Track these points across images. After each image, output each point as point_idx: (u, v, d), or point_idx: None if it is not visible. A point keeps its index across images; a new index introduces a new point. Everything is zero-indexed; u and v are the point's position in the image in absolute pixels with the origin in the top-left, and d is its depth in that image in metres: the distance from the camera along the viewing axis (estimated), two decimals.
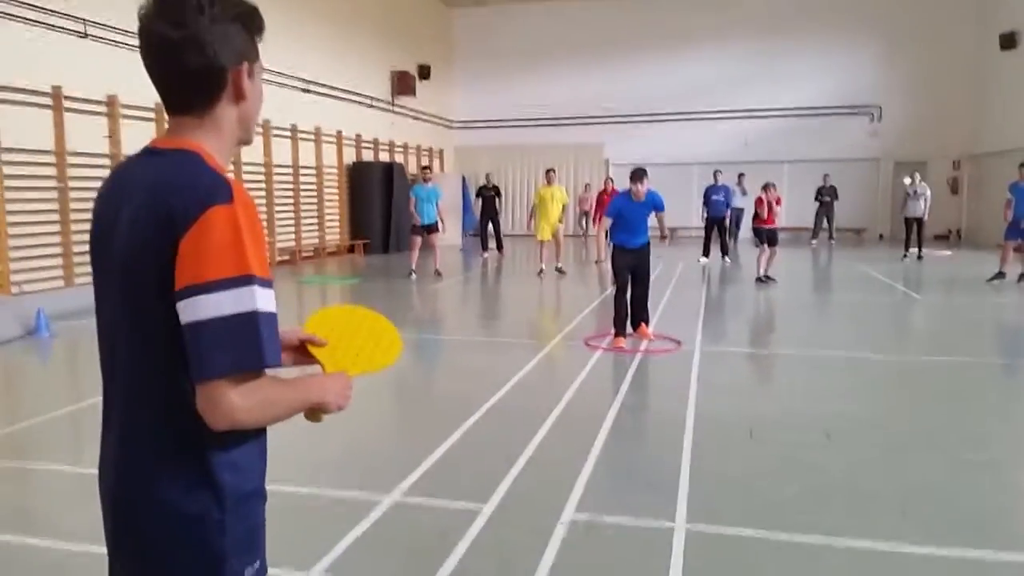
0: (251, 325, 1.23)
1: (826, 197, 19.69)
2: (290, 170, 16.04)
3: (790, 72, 22.34)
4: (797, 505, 3.74)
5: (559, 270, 13.62)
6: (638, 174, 7.54)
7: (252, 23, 1.38)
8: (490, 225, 17.53)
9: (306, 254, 16.43)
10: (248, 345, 1.23)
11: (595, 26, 23.66)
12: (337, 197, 18.01)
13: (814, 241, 19.80)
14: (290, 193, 16.08)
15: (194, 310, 1.21)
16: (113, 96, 10.96)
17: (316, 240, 17.06)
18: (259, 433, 1.39)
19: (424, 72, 22.19)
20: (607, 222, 7.74)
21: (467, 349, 7.87)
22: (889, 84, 22.00)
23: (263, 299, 1.25)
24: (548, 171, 14.14)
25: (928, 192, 15.98)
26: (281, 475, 4.11)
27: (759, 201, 12.59)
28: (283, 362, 1.48)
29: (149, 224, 1.25)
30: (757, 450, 4.58)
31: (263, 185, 15.09)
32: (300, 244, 16.29)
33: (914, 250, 15.99)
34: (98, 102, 10.84)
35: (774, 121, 22.63)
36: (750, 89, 22.61)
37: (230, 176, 1.31)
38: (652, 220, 7.78)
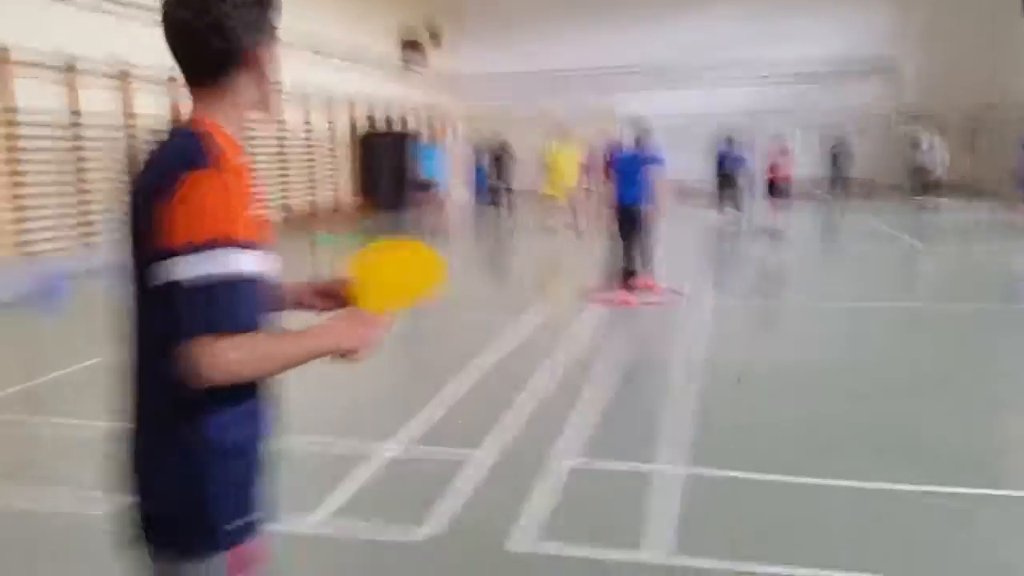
0: (224, 288, 1.26)
1: (837, 152, 19.43)
2: (304, 133, 16.10)
3: (803, 30, 21.93)
4: (798, 448, 3.85)
5: (577, 231, 13.49)
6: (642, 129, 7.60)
7: (270, 3, 1.46)
8: (501, 184, 17.48)
9: (320, 213, 16.60)
10: (221, 308, 1.25)
11: None
12: (350, 159, 18.08)
13: (827, 196, 19.62)
14: (306, 155, 16.21)
15: (168, 272, 1.26)
16: (126, 67, 10.98)
17: (330, 201, 17.20)
18: (250, 395, 1.40)
19: (435, 36, 22.08)
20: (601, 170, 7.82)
21: (476, 304, 7.97)
22: (904, 38, 21.57)
23: (244, 261, 1.28)
24: (561, 129, 14.01)
25: (942, 149, 15.79)
26: (289, 424, 4.27)
27: (772, 155, 12.70)
28: (317, 308, 1.62)
29: (146, 200, 1.32)
30: (757, 397, 4.68)
31: (277, 147, 15.18)
32: (315, 204, 16.42)
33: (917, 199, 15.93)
34: (109, 73, 10.87)
35: (787, 77, 22.28)
36: (763, 48, 22.21)
37: (226, 146, 1.37)
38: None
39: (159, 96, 11.82)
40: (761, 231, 12.39)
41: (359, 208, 18.19)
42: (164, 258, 1.27)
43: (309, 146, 16.45)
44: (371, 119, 19.04)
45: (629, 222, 7.63)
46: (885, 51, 21.82)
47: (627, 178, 7.61)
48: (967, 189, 20.91)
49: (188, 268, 1.25)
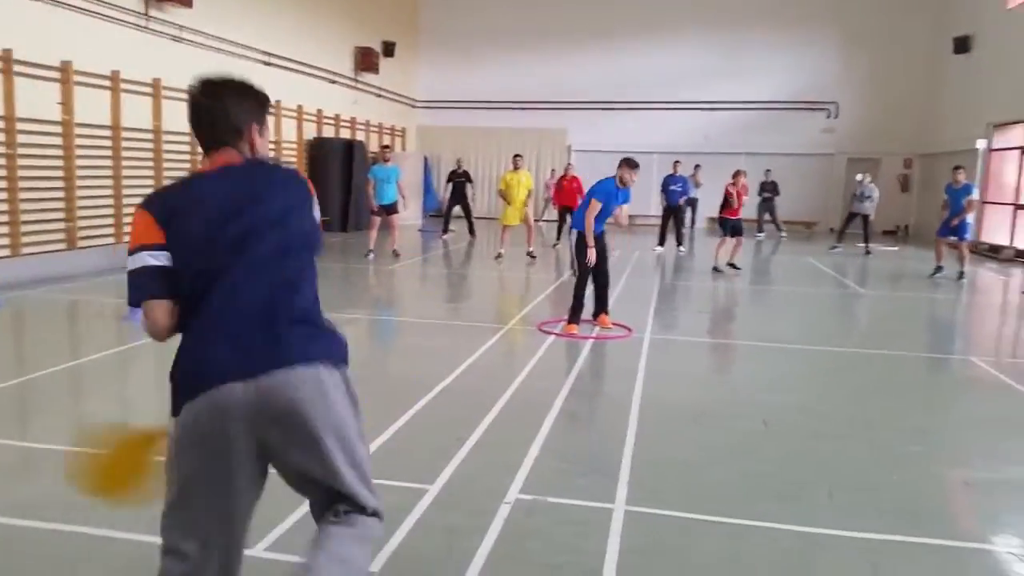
0: (131, 277, 2.01)
1: (767, 192, 20.01)
2: None
3: (750, 66, 22.64)
4: (731, 489, 3.91)
5: (531, 255, 13.54)
6: (635, 163, 7.71)
7: (265, 102, 2.25)
8: (457, 209, 17.37)
9: None
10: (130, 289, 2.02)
11: (561, 12, 23.64)
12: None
13: (760, 235, 20.17)
14: None
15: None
16: (67, 62, 10.69)
17: None
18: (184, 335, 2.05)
19: (388, 49, 21.97)
20: (597, 207, 7.59)
21: (422, 331, 7.93)
22: (845, 81, 22.44)
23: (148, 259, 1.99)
24: (515, 156, 14.15)
25: (876, 193, 16.50)
26: None
27: (729, 191, 12.87)
28: None
29: None
30: (698, 436, 4.75)
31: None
32: None
33: (857, 245, 16.51)
34: (50, 67, 10.57)
35: (734, 114, 22.96)
36: (711, 82, 22.88)
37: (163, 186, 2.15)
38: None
39: (97, 99, 11.57)
40: (716, 267, 12.58)
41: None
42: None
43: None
44: (319, 134, 18.84)
45: (599, 253, 7.67)
46: (829, 94, 22.64)
47: (609, 211, 7.65)
48: (901, 232, 21.80)
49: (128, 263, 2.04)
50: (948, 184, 12.94)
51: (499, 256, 13.40)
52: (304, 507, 3.97)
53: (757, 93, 22.77)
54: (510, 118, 24.27)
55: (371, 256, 12.97)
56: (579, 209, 7.83)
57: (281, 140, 16.86)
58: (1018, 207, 16.78)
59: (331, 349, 2.12)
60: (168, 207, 2.01)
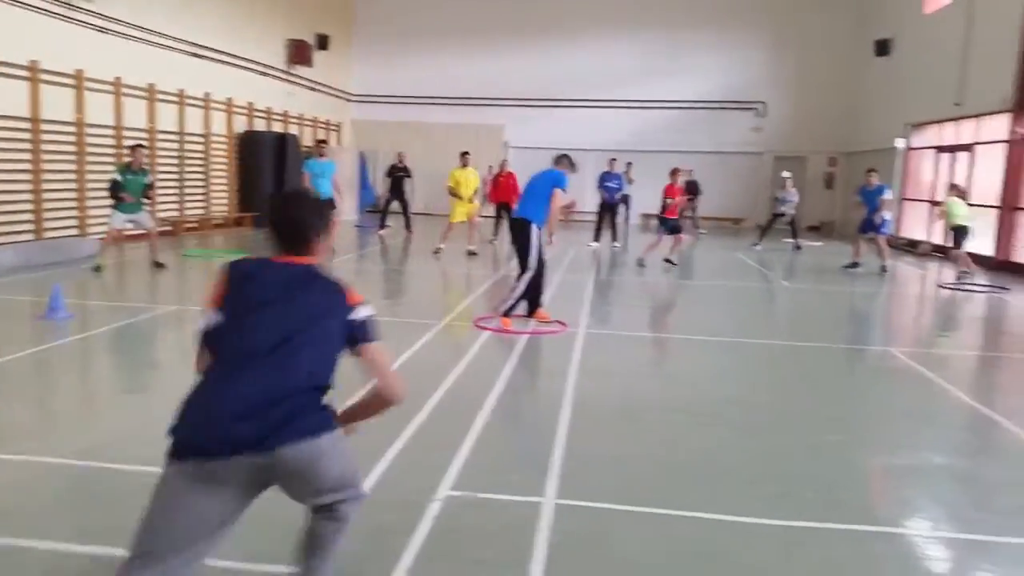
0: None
1: (688, 192, 20.42)
2: (176, 137, 15.38)
3: (683, 66, 23.09)
4: (659, 480, 4.00)
5: (471, 252, 13.49)
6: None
7: (330, 215, 2.66)
8: (395, 204, 17.17)
9: (190, 225, 15.82)
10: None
11: (499, 8, 23.68)
12: (226, 167, 17.41)
13: (698, 231, 20.64)
14: (175, 161, 15.43)
15: None
16: (35, 61, 10.26)
17: (202, 211, 16.46)
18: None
19: (322, 42, 21.64)
20: (568, 198, 7.79)
21: None
22: (773, 82, 23.10)
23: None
24: (463, 153, 14.16)
25: (796, 198, 16.97)
26: (153, 458, 4.05)
27: (670, 190, 13.08)
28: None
29: None
30: (629, 429, 4.83)
31: (146, 152, 14.43)
32: (184, 215, 15.68)
33: (785, 241, 17.04)
34: (20, 66, 10.14)
35: (667, 113, 23.38)
36: (645, 80, 23.26)
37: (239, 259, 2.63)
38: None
39: (14, 90, 11.14)
40: (649, 261, 12.88)
41: (237, 221, 17.58)
42: None
43: (182, 154, 15.71)
44: (250, 127, 18.46)
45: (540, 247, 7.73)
46: (757, 93, 23.24)
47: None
48: (826, 228, 22.54)
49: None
50: (862, 186, 13.57)
51: (438, 251, 13.38)
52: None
53: (689, 92, 23.23)
54: (447, 114, 24.18)
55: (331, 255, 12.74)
56: (534, 204, 7.72)
57: (210, 133, 16.45)
58: (934, 203, 17.52)
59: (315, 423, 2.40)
60: (240, 272, 2.53)
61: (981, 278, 12.61)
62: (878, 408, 5.74)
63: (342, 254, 13.17)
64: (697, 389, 5.87)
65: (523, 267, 7.69)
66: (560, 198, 7.61)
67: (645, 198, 22.60)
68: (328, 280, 2.57)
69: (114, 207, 10.33)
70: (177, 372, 6.06)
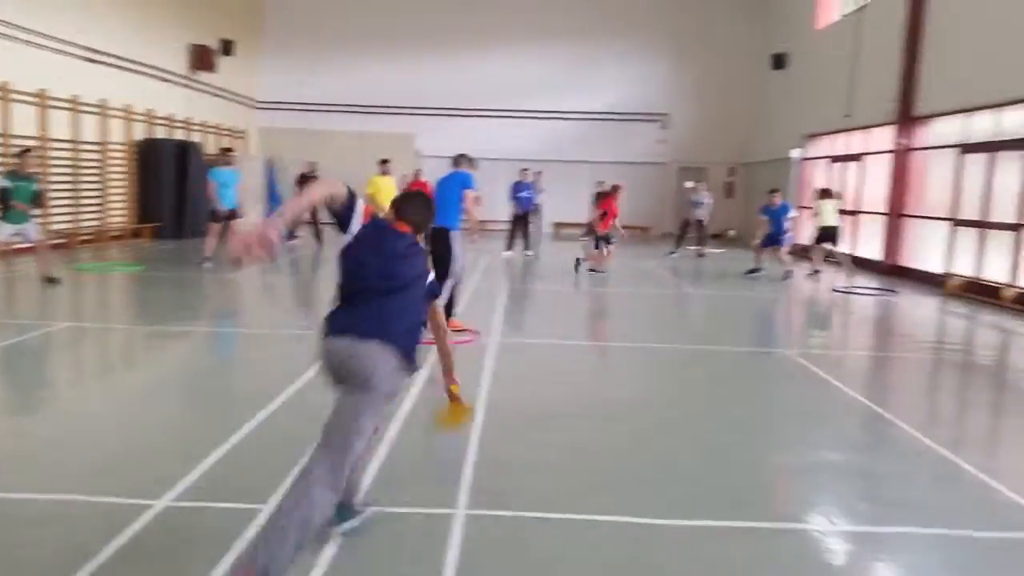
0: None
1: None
2: (70, 145, 14.65)
3: (592, 77, 23.60)
4: (570, 486, 4.05)
5: None
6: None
7: (431, 209, 3.57)
8: (305, 214, 16.83)
9: (85, 237, 15.08)
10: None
11: (409, 18, 23.57)
12: (124, 176, 16.69)
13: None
14: (69, 170, 14.69)
15: None
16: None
17: (97, 222, 15.72)
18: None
19: (227, 47, 21.02)
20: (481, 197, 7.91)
21: (262, 342, 7.66)
22: (677, 94, 23.86)
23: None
24: (383, 161, 13.74)
25: (709, 200, 17.64)
26: (37, 483, 3.84)
27: (608, 205, 13.31)
28: None
29: None
30: (540, 436, 4.88)
31: (37, 160, 13.68)
32: (78, 226, 14.93)
33: (689, 248, 17.62)
34: None
35: (576, 124, 23.82)
36: (555, 92, 23.64)
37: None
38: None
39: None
40: (592, 268, 13.20)
41: (135, 232, 16.87)
42: None
43: (76, 163, 14.97)
44: (150, 134, 17.77)
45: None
46: (662, 106, 23.94)
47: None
48: (728, 236, 23.36)
49: None
50: (766, 205, 14.04)
51: None
52: (226, 450, 4.04)
53: (598, 104, 23.75)
54: (357, 122, 23.89)
55: (207, 265, 12.33)
56: (447, 210, 7.56)
57: (107, 141, 15.74)
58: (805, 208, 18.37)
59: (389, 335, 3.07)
60: (370, 225, 3.21)
61: (863, 280, 13.33)
62: (776, 408, 5.98)
63: (249, 266, 12.80)
64: (604, 394, 5.98)
65: (446, 275, 7.63)
66: (472, 198, 7.63)
67: (556, 207, 22.95)
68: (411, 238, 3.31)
69: (1, 218, 9.75)
70: (68, 393, 5.76)
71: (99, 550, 3.10)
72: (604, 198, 13.56)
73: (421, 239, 3.38)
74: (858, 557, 3.46)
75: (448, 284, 7.58)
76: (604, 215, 13.27)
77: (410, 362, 3.13)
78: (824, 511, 3.92)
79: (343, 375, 3.03)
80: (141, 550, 3.17)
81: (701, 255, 17.21)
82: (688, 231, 17.65)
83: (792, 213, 13.84)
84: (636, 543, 3.43)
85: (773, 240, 13.81)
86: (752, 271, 13.79)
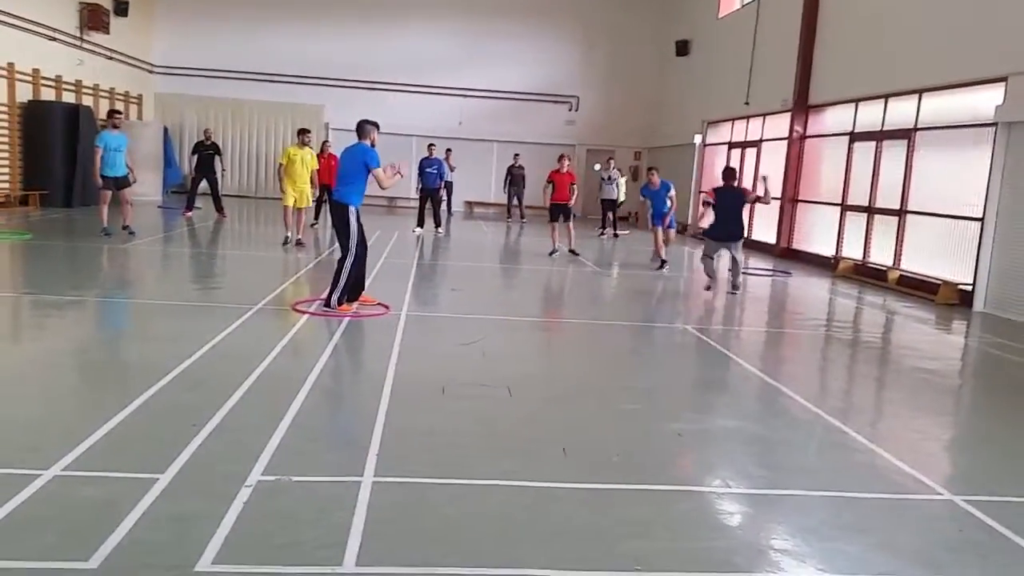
0: None
1: (516, 177, 20.97)
2: None
3: (501, 57, 23.60)
4: (476, 452, 4.07)
5: (299, 242, 12.28)
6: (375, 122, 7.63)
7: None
8: (204, 184, 16.18)
9: None
10: None
11: None
12: (7, 140, 15.61)
13: (509, 219, 21.14)
14: None
15: None
16: None
17: None
18: None
19: (120, 8, 19.90)
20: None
21: (159, 313, 7.34)
22: (585, 77, 24.14)
23: None
24: (301, 131, 12.52)
25: (621, 179, 18.00)
26: None
27: (551, 176, 13.23)
28: None
29: None
30: (447, 405, 4.88)
31: None
32: None
33: (610, 229, 17.89)
34: None
35: (485, 102, 23.77)
36: (464, 69, 23.53)
37: None
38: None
39: None
40: (555, 250, 13.12)
41: (22, 199, 15.85)
42: None
43: None
44: (36, 96, 16.71)
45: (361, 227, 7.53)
46: (571, 88, 24.16)
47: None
48: (632, 219, 23.86)
49: None
50: (645, 185, 13.60)
51: (286, 241, 12.19)
52: (118, 421, 3.86)
53: (507, 83, 23.75)
54: (262, 91, 23.12)
55: (108, 235, 11.67)
56: (348, 185, 7.43)
57: None
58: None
59: None
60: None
61: (759, 262, 13.86)
62: (675, 379, 6.18)
63: (145, 236, 12.23)
64: (509, 366, 6.03)
65: (344, 251, 7.47)
66: (383, 177, 7.39)
67: (467, 186, 22.89)
68: None
69: None
70: None
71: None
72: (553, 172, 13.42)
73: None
74: (752, 517, 3.61)
75: (348, 262, 7.40)
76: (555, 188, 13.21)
77: None
78: (721, 475, 4.08)
79: None
80: (26, 521, 3.00)
81: (616, 236, 17.52)
82: (611, 210, 17.98)
83: (672, 192, 13.26)
84: (537, 504, 3.48)
85: (659, 217, 13.28)
86: (660, 265, 12.95)
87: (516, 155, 21.23)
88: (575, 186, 13.60)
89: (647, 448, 4.40)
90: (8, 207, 15.29)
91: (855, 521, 3.56)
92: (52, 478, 3.37)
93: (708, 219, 10.44)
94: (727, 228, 10.20)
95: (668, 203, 13.16)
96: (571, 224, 13.48)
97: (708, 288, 10.57)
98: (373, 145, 7.53)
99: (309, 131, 12.59)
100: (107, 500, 3.20)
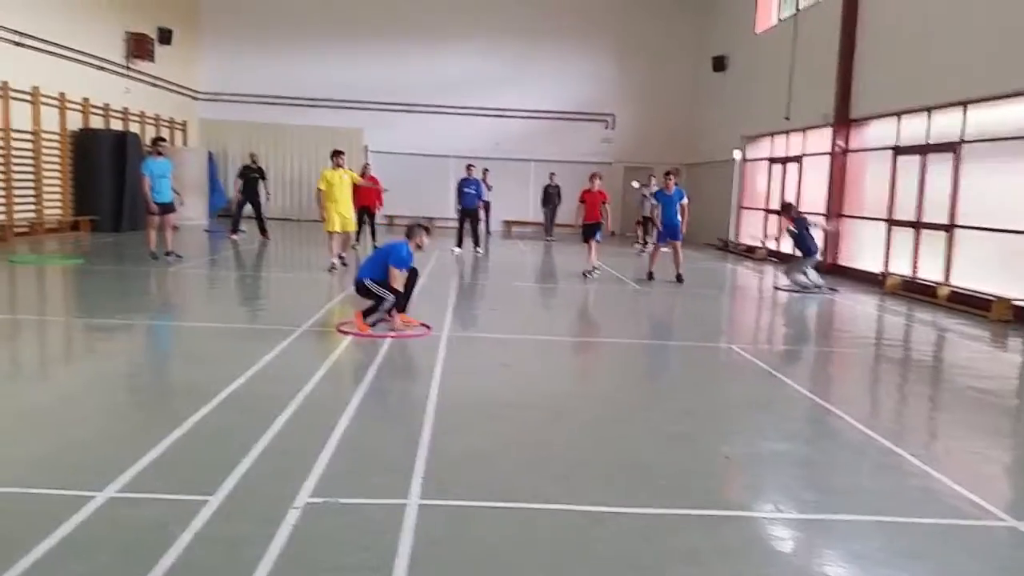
0: None
1: (550, 195, 21.08)
2: (1, 137, 14.06)
3: (537, 77, 23.76)
4: (520, 476, 4.04)
5: (342, 260, 12.09)
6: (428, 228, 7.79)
7: None
8: (249, 207, 16.50)
9: (20, 230, 14.50)
10: None
11: (357, 8, 23.30)
12: (59, 167, 16.10)
13: (548, 238, 21.14)
14: (0, 160, 14.12)
15: None
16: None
17: (32, 214, 15.13)
18: None
19: (165, 36, 20.47)
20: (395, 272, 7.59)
21: (206, 336, 7.46)
22: (622, 95, 24.13)
23: None
24: (335, 153, 12.13)
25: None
26: None
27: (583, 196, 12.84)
28: None
29: None
30: (491, 427, 4.86)
31: None
32: (12, 219, 14.35)
33: (650, 245, 17.77)
34: None
35: (522, 122, 23.90)
36: (501, 89, 23.73)
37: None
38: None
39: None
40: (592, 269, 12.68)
41: (73, 224, 16.32)
42: None
43: (8, 152, 14.37)
44: (86, 124, 17.20)
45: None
46: (607, 106, 24.18)
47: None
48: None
49: None
50: (660, 190, 13.30)
51: (332, 268, 11.80)
52: (169, 443, 3.95)
53: (543, 102, 23.87)
54: (302, 115, 23.54)
55: (170, 258, 11.89)
56: (373, 267, 7.62)
57: (40, 130, 15.16)
58: (768, 211, 18.82)
59: None
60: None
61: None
62: (722, 400, 6.08)
63: (192, 260, 12.48)
64: (552, 386, 6.00)
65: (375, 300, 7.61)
66: (397, 276, 7.55)
67: (506, 205, 23.01)
68: None
69: None
70: (4, 387, 5.54)
71: (37, 543, 2.98)
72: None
73: None
74: (804, 543, 3.52)
75: (384, 304, 7.56)
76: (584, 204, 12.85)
77: None
78: (771, 499, 3.98)
79: None
80: (82, 542, 3.05)
81: (643, 251, 17.40)
82: (648, 226, 17.91)
83: (684, 200, 12.89)
84: (588, 531, 3.44)
85: (668, 234, 12.96)
86: (649, 276, 12.97)
87: (552, 174, 21.30)
88: (607, 205, 13.07)
89: (694, 471, 4.32)
90: (60, 232, 15.75)
91: (910, 547, 3.45)
92: (106, 500, 3.42)
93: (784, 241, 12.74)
94: (812, 246, 12.33)
95: (679, 213, 12.84)
96: (594, 243, 12.93)
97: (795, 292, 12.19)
98: (418, 248, 7.68)
99: (343, 152, 12.35)
100: (160, 522, 3.24)
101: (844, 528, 3.67)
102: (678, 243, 12.96)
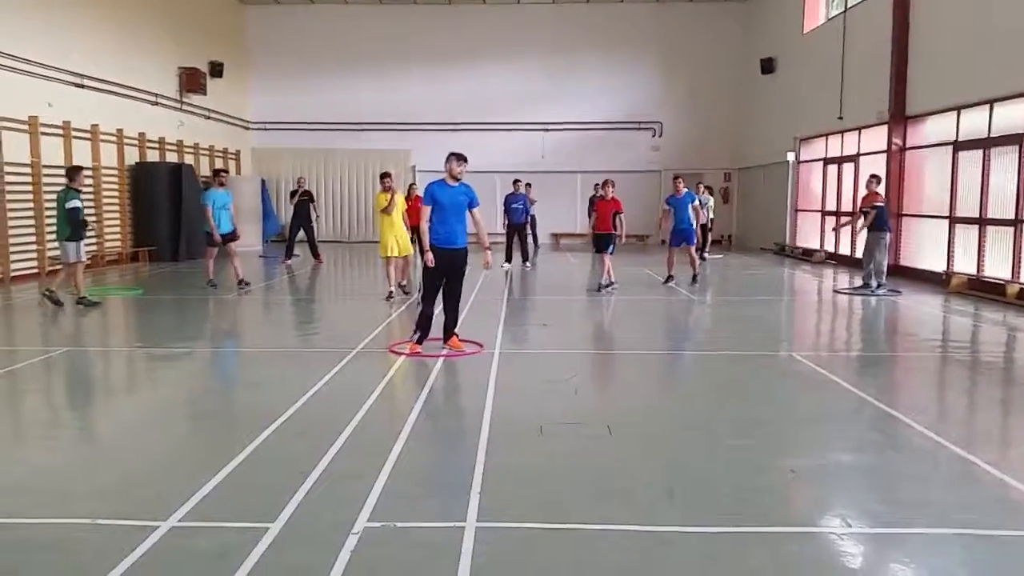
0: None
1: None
2: (63, 171, 14.58)
3: (581, 89, 23.71)
4: (577, 496, 3.97)
5: (402, 288, 11.73)
6: (458, 155, 7.42)
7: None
8: (302, 232, 16.80)
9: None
10: None
11: (396, 34, 23.66)
12: (118, 200, 16.63)
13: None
14: None
15: None
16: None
17: (94, 247, 15.64)
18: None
19: (216, 70, 21.07)
20: (427, 211, 7.38)
21: (263, 361, 7.57)
22: (668, 102, 23.92)
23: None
24: (383, 175, 11.74)
25: (711, 201, 17.70)
26: (41, 507, 3.77)
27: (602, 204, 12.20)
28: None
29: None
30: (546, 446, 4.80)
31: (30, 187, 13.65)
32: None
33: (706, 253, 17.57)
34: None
35: (567, 134, 23.88)
36: (545, 103, 23.75)
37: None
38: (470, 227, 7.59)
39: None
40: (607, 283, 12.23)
41: (132, 256, 16.82)
42: None
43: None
44: (142, 158, 17.74)
45: (451, 269, 7.56)
46: (654, 114, 23.99)
47: (453, 214, 7.45)
48: (725, 241, 23.36)
49: None
50: (672, 195, 13.12)
51: (390, 296, 11.27)
52: (229, 470, 4.06)
53: (589, 113, 23.81)
54: (351, 139, 23.94)
55: (242, 289, 12.13)
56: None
57: (100, 166, 15.70)
58: (825, 213, 18.39)
59: None
60: None
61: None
62: (783, 410, 5.90)
63: (251, 289, 12.72)
64: (606, 402, 5.92)
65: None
66: (424, 211, 7.41)
67: (554, 218, 23.00)
68: None
69: (80, 238, 10.31)
70: (70, 417, 5.69)
71: (106, 571, 3.03)
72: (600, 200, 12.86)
73: None
74: (877, 559, 3.38)
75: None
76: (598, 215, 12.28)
77: None
78: (839, 513, 3.84)
79: None
80: (147, 570, 3.09)
81: (703, 259, 17.14)
82: (705, 234, 17.62)
83: (696, 203, 12.77)
84: (646, 551, 3.36)
85: (681, 237, 12.81)
86: (668, 279, 13.00)
87: (596, 185, 21.15)
88: (621, 215, 11.92)
89: (758, 487, 4.19)
90: (120, 264, 16.24)
91: (990, 560, 3.29)
92: (169, 529, 3.47)
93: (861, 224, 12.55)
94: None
95: (691, 216, 12.76)
96: (608, 256, 12.16)
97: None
98: (453, 178, 7.44)
99: (390, 174, 11.88)
100: (221, 551, 3.27)
101: (919, 542, 3.51)
102: (692, 247, 13.06)
